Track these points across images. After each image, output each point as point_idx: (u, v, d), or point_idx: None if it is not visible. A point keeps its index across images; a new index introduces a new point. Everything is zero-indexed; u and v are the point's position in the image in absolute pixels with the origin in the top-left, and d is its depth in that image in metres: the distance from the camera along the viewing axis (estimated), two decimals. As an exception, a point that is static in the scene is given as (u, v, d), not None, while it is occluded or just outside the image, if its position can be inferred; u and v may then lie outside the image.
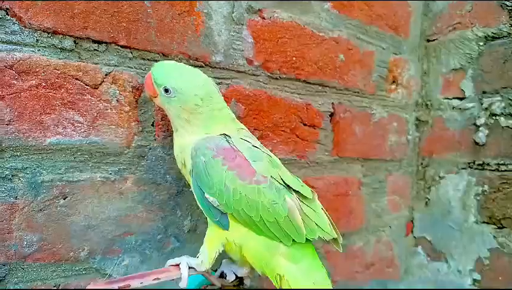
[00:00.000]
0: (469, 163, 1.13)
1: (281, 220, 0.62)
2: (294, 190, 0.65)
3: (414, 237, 1.26)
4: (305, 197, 0.65)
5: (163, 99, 0.65)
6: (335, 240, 0.68)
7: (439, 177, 1.21)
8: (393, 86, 1.16)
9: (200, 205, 0.65)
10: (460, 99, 1.15)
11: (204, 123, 0.66)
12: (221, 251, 0.65)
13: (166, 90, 0.64)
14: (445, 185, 1.19)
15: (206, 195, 0.62)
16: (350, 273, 1.09)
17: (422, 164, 1.25)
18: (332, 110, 1.01)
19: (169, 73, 0.65)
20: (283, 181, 0.64)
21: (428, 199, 1.24)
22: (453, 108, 1.17)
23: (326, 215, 0.67)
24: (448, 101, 1.18)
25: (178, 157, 0.68)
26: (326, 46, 0.98)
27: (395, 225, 1.21)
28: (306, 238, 0.64)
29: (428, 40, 1.24)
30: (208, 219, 0.66)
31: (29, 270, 0.63)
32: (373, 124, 1.11)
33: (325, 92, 0.99)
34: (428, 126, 1.24)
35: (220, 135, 0.65)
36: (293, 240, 0.63)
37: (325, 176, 1.00)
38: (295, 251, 0.64)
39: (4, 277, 0.61)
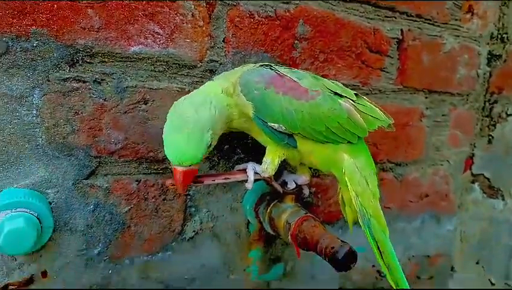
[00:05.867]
0: (542, 100, 1.08)
1: (344, 122, 0.67)
2: (341, 95, 0.69)
3: (472, 173, 1.25)
4: (352, 97, 0.70)
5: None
6: (389, 125, 0.74)
7: (507, 114, 1.17)
8: (468, 16, 1.10)
9: (266, 134, 0.68)
10: (541, 32, 1.08)
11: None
12: (282, 159, 0.71)
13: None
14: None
15: (270, 124, 0.65)
16: (403, 201, 1.12)
17: (490, 100, 1.21)
18: (400, 37, 0.98)
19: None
20: (330, 90, 0.68)
21: (492, 137, 1.20)
22: (532, 42, 1.10)
23: (375, 106, 0.72)
24: (527, 34, 1.11)
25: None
26: (401, -32, 0.94)
27: (454, 160, 1.20)
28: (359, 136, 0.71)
29: (513, -34, 1.15)
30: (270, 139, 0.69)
31: (116, 165, 0.71)
32: (442, 55, 1.07)
33: (395, 17, 0.97)
34: (501, 61, 1.18)
35: (260, 66, 0.68)
36: (358, 137, 0.70)
37: (387, 104, 1.01)
38: (354, 147, 0.71)
39: (96, 167, 0.70)
